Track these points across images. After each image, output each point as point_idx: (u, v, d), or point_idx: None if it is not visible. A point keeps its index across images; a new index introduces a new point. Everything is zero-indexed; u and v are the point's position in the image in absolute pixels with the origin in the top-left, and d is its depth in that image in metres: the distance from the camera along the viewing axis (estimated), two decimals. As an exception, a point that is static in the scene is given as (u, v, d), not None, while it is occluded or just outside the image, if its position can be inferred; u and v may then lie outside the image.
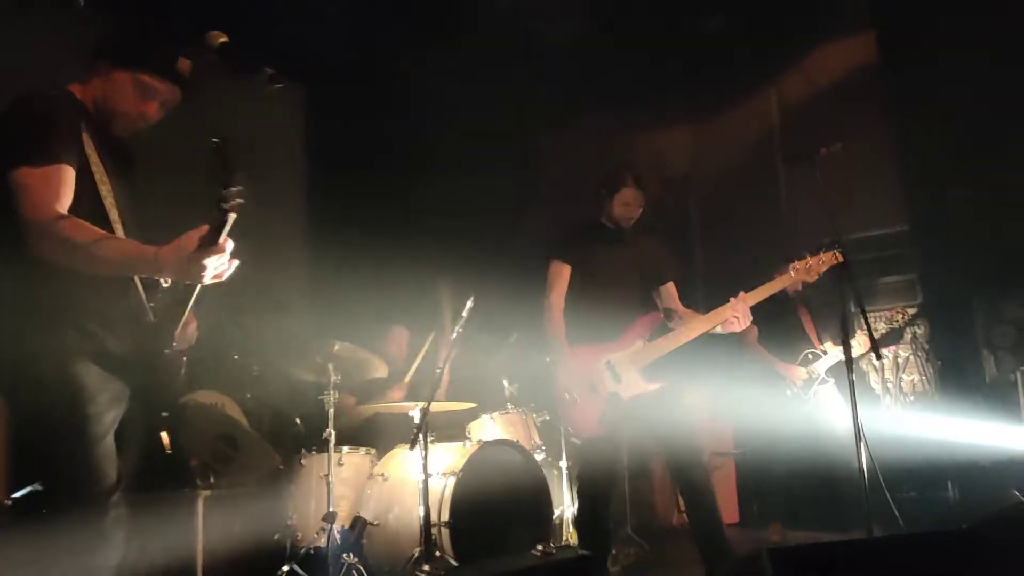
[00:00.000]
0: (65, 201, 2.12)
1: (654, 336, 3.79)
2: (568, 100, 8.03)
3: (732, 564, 3.34)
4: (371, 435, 4.99)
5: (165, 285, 2.26)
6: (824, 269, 3.78)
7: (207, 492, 4.20)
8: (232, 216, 1.94)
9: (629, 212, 4.03)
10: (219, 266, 2.06)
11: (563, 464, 4.91)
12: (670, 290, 4.09)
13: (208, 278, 2.08)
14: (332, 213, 8.38)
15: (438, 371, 4.25)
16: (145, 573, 4.04)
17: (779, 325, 5.55)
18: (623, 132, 8.17)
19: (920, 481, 5.76)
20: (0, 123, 2.16)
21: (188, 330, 2.47)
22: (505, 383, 5.28)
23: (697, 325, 3.73)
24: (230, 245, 2.03)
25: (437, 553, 3.89)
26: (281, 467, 4.60)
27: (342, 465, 4.41)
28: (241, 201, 1.91)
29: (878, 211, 6.72)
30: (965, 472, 5.58)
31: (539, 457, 4.71)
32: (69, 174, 2.15)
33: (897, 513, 3.50)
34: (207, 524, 4.18)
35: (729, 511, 6.36)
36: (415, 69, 8.19)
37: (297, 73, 8.04)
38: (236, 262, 2.10)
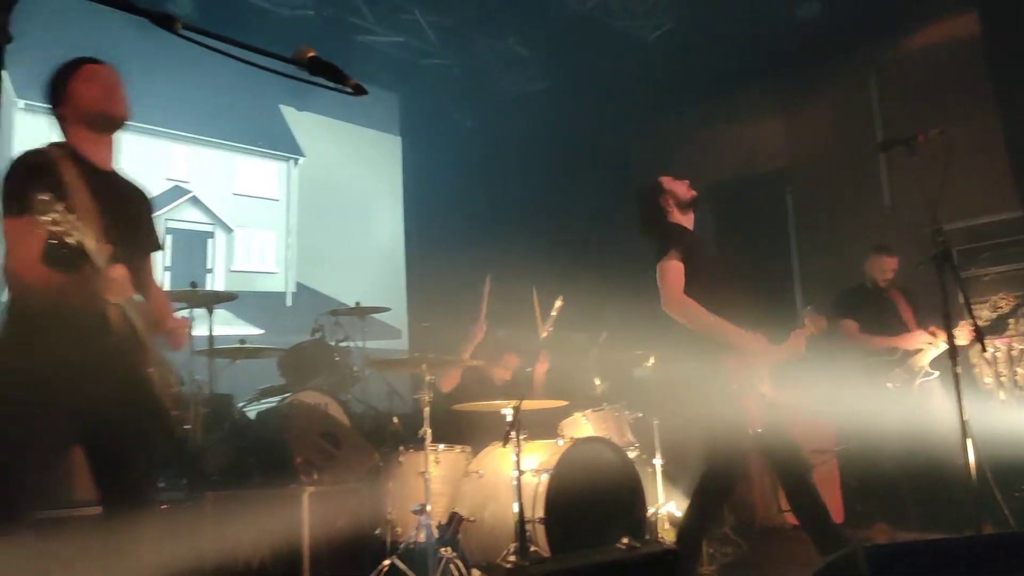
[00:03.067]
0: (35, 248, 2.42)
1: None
2: (657, 94, 7.98)
3: (827, 563, 3.27)
4: (466, 433, 5.07)
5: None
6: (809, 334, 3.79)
7: (312, 488, 4.37)
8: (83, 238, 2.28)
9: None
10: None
11: (656, 461, 4.89)
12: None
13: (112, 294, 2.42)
14: (427, 221, 8.59)
15: (528, 370, 4.30)
16: (256, 565, 4.26)
17: (875, 317, 5.40)
18: (714, 124, 8.06)
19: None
20: None
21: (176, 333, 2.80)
22: (596, 381, 5.29)
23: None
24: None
25: (532, 548, 3.94)
26: (380, 464, 4.73)
27: (438, 462, 4.50)
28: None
29: (986, 197, 6.43)
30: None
31: (632, 454, 4.71)
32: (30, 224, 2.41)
33: (1007, 512, 3.36)
34: (312, 519, 4.35)
35: (833, 510, 6.18)
36: (499, 66, 8.29)
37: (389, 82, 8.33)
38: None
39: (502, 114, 8.40)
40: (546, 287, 5.10)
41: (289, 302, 7.58)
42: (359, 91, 2.24)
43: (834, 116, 7.60)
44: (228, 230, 7.17)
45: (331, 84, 2.24)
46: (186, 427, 2.68)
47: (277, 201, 7.72)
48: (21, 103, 6.25)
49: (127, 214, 2.73)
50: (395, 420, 5.21)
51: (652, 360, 5.17)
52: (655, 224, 3.97)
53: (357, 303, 6.28)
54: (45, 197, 2.16)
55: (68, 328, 2.45)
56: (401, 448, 4.66)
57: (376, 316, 6.68)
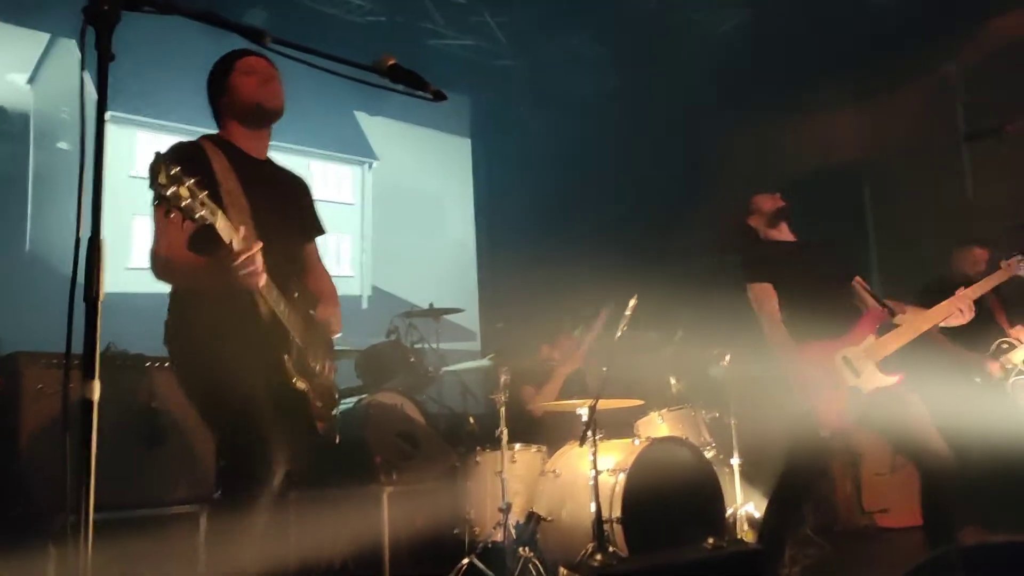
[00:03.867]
0: (185, 235, 2.44)
1: (882, 331, 3.78)
2: (729, 89, 7.88)
3: (920, 564, 3.20)
4: (541, 432, 5.10)
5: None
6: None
7: (391, 488, 4.46)
8: (214, 217, 2.18)
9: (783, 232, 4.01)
10: (250, 268, 2.30)
11: (734, 461, 4.85)
12: (861, 283, 4.03)
13: (253, 281, 2.32)
14: (498, 222, 8.66)
15: (604, 369, 4.31)
16: (338, 564, 4.36)
17: None
18: (788, 118, 7.92)
19: None
20: None
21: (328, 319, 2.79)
22: (672, 380, 5.26)
23: (923, 319, 3.75)
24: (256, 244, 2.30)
25: (610, 548, 3.95)
26: (457, 464, 4.80)
27: (515, 462, 4.54)
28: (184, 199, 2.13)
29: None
30: None
31: (709, 454, 4.68)
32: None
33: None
34: (391, 517, 4.44)
35: (916, 513, 6.03)
36: (569, 66, 8.30)
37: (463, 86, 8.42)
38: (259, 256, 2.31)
39: (572, 114, 8.40)
40: (620, 286, 5.09)
41: (365, 305, 7.72)
42: (439, 96, 2.30)
43: (914, 107, 7.40)
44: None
45: (412, 91, 2.31)
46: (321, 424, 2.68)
47: (352, 205, 7.88)
48: (107, 115, 6.52)
49: (282, 200, 2.77)
50: (471, 420, 5.27)
51: (728, 358, 5.12)
52: (743, 246, 4.00)
53: (431, 305, 6.37)
54: (175, 181, 2.10)
55: (217, 314, 2.49)
56: (478, 448, 4.71)
57: (449, 318, 6.76)
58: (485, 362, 5.62)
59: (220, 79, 2.77)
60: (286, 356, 2.53)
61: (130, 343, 3.84)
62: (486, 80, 8.63)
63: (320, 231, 3.01)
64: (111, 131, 6.48)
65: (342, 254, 7.70)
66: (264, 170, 2.78)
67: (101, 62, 1.80)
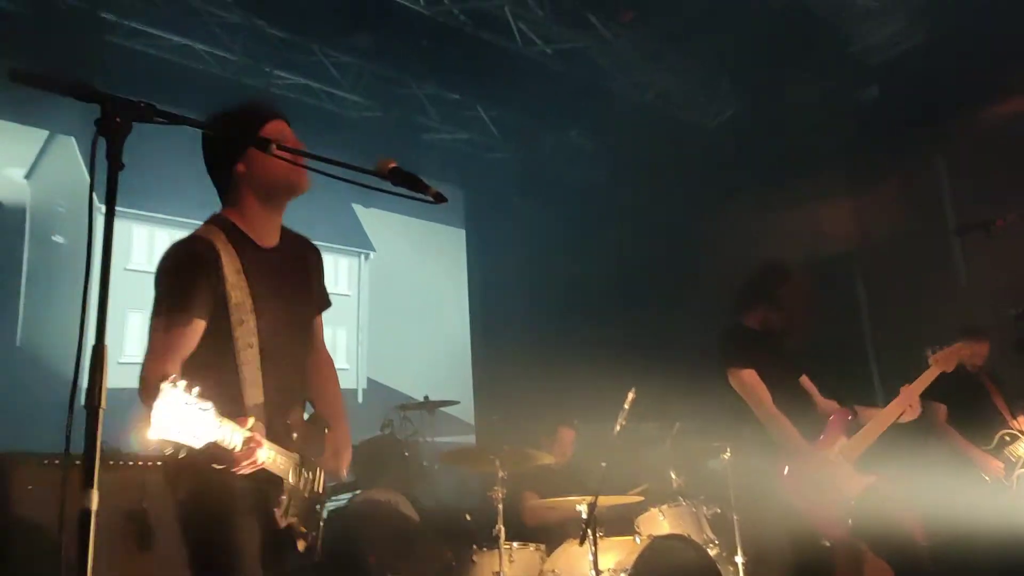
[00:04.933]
0: (181, 359, 2.25)
1: (850, 432, 3.88)
2: (721, 181, 8.05)
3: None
4: (539, 530, 5.02)
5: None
6: (959, 357, 3.86)
7: (385, 589, 4.36)
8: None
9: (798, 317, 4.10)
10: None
11: (739, 559, 4.76)
12: (808, 382, 4.11)
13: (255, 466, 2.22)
14: (493, 313, 8.70)
15: (603, 464, 4.27)
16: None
17: (967, 403, 5.26)
18: (779, 209, 8.06)
19: None
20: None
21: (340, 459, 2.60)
22: (672, 475, 5.21)
23: (882, 419, 3.86)
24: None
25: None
26: (454, 564, 4.70)
27: (513, 561, 4.45)
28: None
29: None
30: None
31: (713, 552, 4.60)
32: (192, 329, 2.27)
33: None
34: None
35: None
36: (562, 158, 8.47)
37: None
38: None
39: (565, 206, 8.55)
40: (617, 378, 5.09)
41: (360, 399, 7.69)
42: (439, 199, 2.34)
43: (903, 197, 7.56)
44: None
45: (412, 194, 2.36)
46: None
47: (348, 296, 7.93)
48: (102, 208, 6.62)
49: (292, 289, 2.54)
50: (467, 517, 5.19)
51: (728, 452, 5.08)
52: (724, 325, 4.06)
53: (426, 397, 6.35)
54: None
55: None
56: (474, 546, 4.63)
57: (445, 410, 6.73)
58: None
59: (237, 143, 2.41)
60: (276, 509, 2.35)
61: (122, 440, 3.81)
62: (480, 172, 8.82)
63: (327, 304, 2.79)
64: (100, 224, 6.56)
65: (338, 346, 7.71)
66: (274, 260, 2.49)
67: (111, 171, 1.85)
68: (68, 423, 1.72)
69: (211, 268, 2.31)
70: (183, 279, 2.29)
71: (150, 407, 2.08)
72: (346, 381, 7.65)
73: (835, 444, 3.78)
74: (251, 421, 2.14)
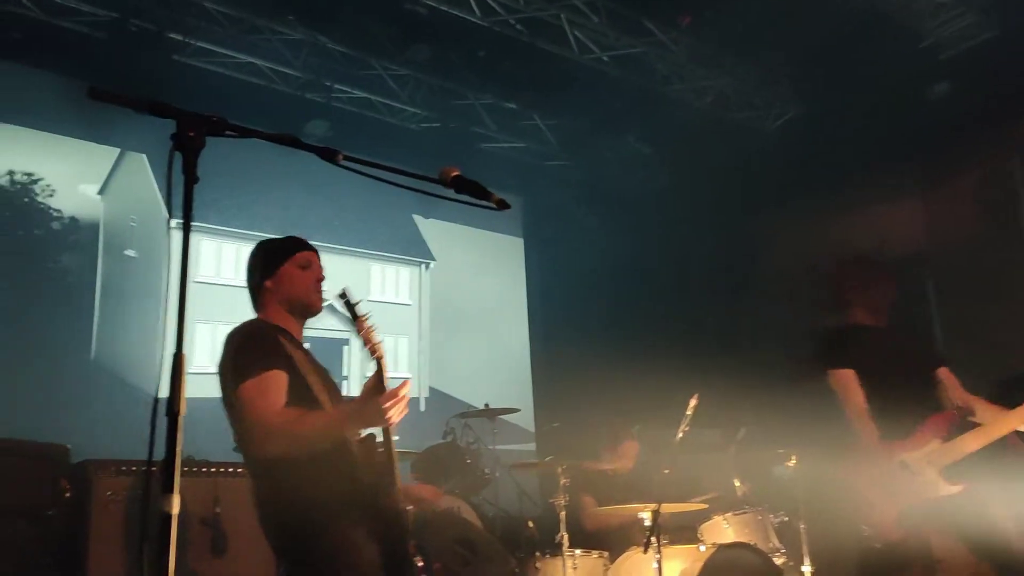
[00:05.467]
0: (282, 399, 2.54)
1: (952, 435, 3.62)
2: (782, 184, 7.94)
3: None
4: (603, 537, 5.01)
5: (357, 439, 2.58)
6: None
7: (449, 596, 4.39)
8: (383, 359, 2.45)
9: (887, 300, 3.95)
10: (398, 408, 2.41)
11: (806, 568, 4.69)
12: (948, 375, 3.91)
13: (395, 419, 2.42)
14: (551, 321, 8.71)
15: (666, 471, 4.25)
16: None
17: None
18: (844, 210, 7.92)
19: None
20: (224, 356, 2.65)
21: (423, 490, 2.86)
22: (736, 482, 5.15)
23: (1005, 422, 3.56)
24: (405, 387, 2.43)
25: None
26: (516, 571, 4.71)
27: (576, 568, 4.45)
28: (381, 350, 2.44)
29: None
30: None
31: (779, 561, 4.54)
32: (282, 377, 2.58)
33: None
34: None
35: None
36: (620, 165, 8.47)
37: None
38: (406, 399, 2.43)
39: (624, 212, 8.53)
40: (679, 384, 5.06)
41: (423, 407, 7.77)
42: (502, 205, 2.37)
43: (975, 197, 7.35)
44: (364, 336, 7.42)
45: (475, 201, 2.39)
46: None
47: (409, 306, 8.04)
48: (174, 222, 6.83)
49: (329, 378, 2.90)
50: (530, 524, 5.21)
51: (794, 460, 5.00)
52: (825, 321, 3.96)
53: (486, 405, 6.38)
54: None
55: (323, 469, 2.55)
56: (537, 554, 4.64)
57: (505, 418, 6.76)
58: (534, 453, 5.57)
59: (271, 263, 2.85)
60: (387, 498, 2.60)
61: (194, 448, 3.92)
62: (537, 181, 8.85)
63: None
64: (175, 238, 6.76)
65: (399, 354, 7.82)
66: (306, 349, 2.89)
67: (187, 185, 1.90)
68: (151, 430, 1.78)
69: (274, 334, 2.69)
70: (259, 343, 2.63)
71: (298, 439, 2.46)
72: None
73: (923, 447, 3.60)
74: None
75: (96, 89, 1.78)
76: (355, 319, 2.45)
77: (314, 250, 2.92)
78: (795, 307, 4.39)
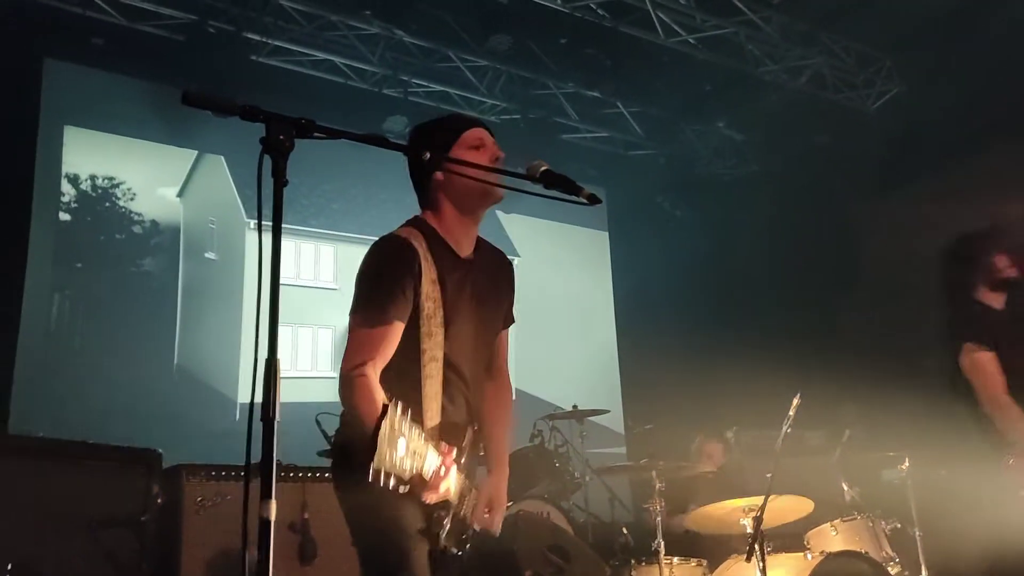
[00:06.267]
0: (381, 358, 2.32)
1: None
2: (884, 168, 7.72)
3: None
4: (701, 544, 4.95)
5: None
6: None
7: (542, 605, 4.39)
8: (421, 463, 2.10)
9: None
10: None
11: (922, 579, 4.54)
12: None
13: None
14: (640, 317, 8.64)
15: (768, 475, 4.16)
16: None
17: None
18: (953, 194, 7.64)
19: None
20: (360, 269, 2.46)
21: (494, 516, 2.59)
22: (844, 486, 5.02)
23: None
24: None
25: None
26: (612, 579, 4.69)
27: (674, 577, 4.41)
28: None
29: None
30: None
31: (893, 571, 4.40)
32: (392, 331, 2.34)
33: None
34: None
35: None
36: (708, 152, 8.34)
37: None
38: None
39: (714, 202, 8.41)
40: (777, 383, 4.96)
41: (511, 409, 7.80)
42: (593, 200, 2.34)
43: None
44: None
45: (565, 196, 2.37)
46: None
47: (496, 305, 8.06)
48: (251, 223, 7.01)
49: (483, 296, 2.58)
50: (624, 530, 5.18)
51: (907, 462, 4.85)
52: (956, 300, 3.80)
53: (574, 406, 6.35)
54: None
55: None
56: (632, 561, 4.61)
57: (594, 420, 6.72)
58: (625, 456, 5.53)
59: (436, 148, 2.50)
60: (439, 531, 2.36)
61: (280, 452, 4.00)
62: (622, 171, 8.79)
63: (512, 320, 2.82)
64: (252, 239, 6.93)
65: (485, 356, 7.85)
66: (470, 272, 2.54)
67: (276, 188, 1.93)
68: (247, 439, 1.81)
69: (412, 273, 2.37)
70: (386, 280, 2.36)
71: (352, 404, 2.28)
72: (494, 391, 7.78)
73: None
74: (449, 453, 2.20)
75: (190, 94, 1.82)
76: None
77: (484, 125, 2.58)
78: (902, 299, 4.24)
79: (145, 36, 6.42)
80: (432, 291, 2.40)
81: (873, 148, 7.59)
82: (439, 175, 2.50)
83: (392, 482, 1.98)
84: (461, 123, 2.57)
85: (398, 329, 2.35)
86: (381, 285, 2.37)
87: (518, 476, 5.81)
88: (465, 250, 2.55)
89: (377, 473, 1.95)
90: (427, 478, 2.12)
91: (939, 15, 6.52)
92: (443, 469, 2.16)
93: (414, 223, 2.53)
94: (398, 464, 1.98)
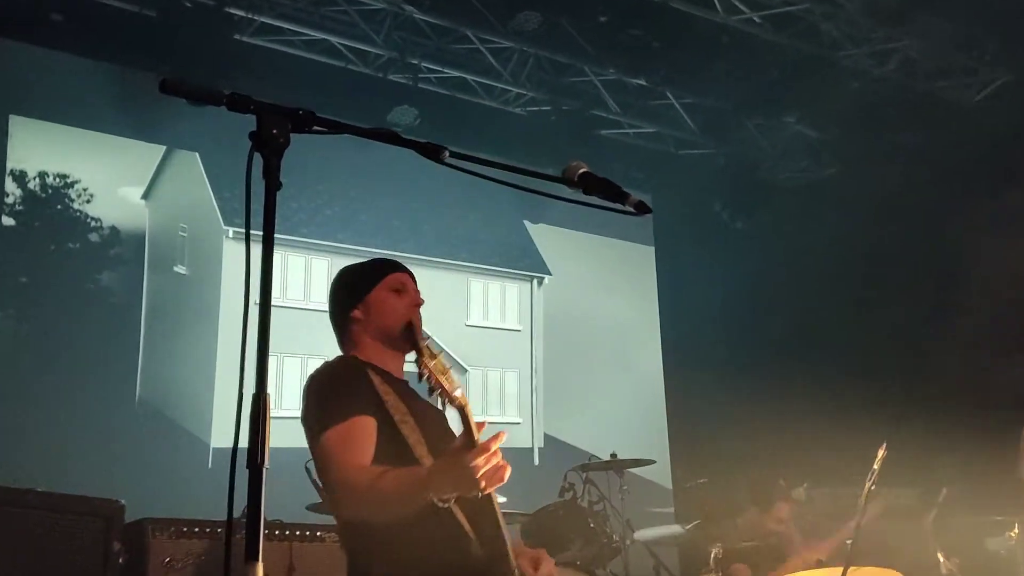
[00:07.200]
0: (370, 451, 2.58)
1: None
2: (990, 169, 7.70)
3: None
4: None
5: (443, 505, 2.49)
6: None
7: None
8: (466, 407, 2.31)
9: None
10: (493, 467, 2.30)
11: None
12: None
13: (488, 483, 2.32)
14: (690, 347, 8.62)
15: (848, 542, 4.16)
16: None
17: None
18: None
19: None
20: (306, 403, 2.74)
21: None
22: (940, 557, 4.99)
23: None
24: (499, 439, 2.31)
25: None
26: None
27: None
28: (463, 397, 2.30)
29: None
30: None
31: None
32: (366, 423, 2.63)
33: None
34: None
35: None
36: (775, 152, 8.34)
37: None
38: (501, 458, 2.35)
39: (783, 210, 8.41)
40: (858, 430, 4.95)
41: (536, 459, 7.79)
42: (642, 209, 2.35)
43: None
44: (462, 371, 7.48)
45: (609, 205, 2.38)
46: None
47: (519, 332, 8.09)
48: (230, 231, 7.06)
49: (436, 413, 2.90)
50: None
51: (1016, 528, 4.83)
52: None
53: (613, 455, 6.34)
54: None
55: (424, 538, 2.56)
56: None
57: (636, 471, 6.71)
58: (682, 530, 5.53)
59: (358, 289, 2.92)
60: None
61: (264, 506, 4.01)
62: (672, 174, 8.80)
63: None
64: (231, 250, 6.96)
65: (507, 394, 7.84)
66: (409, 387, 2.89)
67: (268, 191, 1.94)
68: (230, 490, 1.82)
69: (363, 373, 2.73)
70: (344, 385, 2.70)
71: (370, 498, 2.48)
72: (519, 439, 7.72)
73: None
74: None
75: (169, 81, 1.84)
76: (419, 356, 2.38)
77: (407, 271, 3.00)
78: (1010, 332, 4.22)
79: (111, 11, 6.44)
80: (386, 389, 2.71)
81: (976, 148, 7.57)
82: (357, 312, 2.90)
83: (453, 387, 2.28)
84: (385, 267, 2.99)
85: (372, 424, 2.63)
86: (342, 391, 2.68)
87: (546, 537, 5.80)
88: (399, 375, 2.92)
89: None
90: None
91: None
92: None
93: (350, 357, 2.90)
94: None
